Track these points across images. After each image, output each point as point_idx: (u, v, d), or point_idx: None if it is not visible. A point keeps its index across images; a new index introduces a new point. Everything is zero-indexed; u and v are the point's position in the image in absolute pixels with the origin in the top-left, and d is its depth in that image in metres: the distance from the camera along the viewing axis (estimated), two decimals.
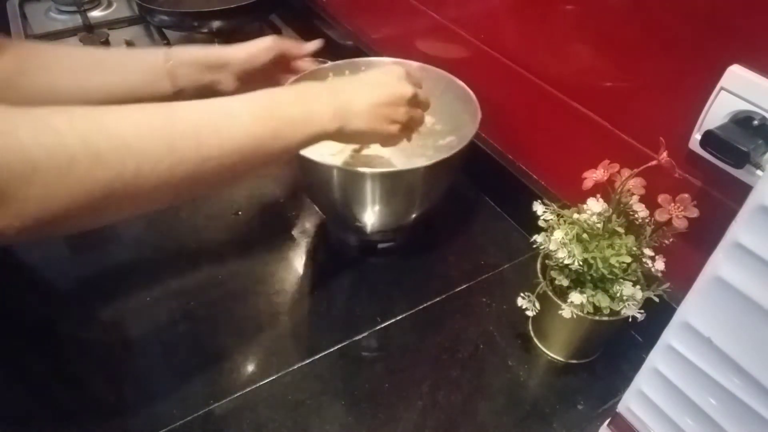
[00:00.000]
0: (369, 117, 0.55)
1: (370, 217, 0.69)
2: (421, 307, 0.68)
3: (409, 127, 0.60)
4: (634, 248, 0.53)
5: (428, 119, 0.81)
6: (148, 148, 0.40)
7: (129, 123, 0.40)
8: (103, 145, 0.37)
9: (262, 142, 0.47)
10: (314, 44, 0.79)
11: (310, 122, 0.50)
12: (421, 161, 0.79)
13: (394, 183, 0.66)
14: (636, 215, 0.54)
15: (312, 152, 0.62)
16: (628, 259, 0.53)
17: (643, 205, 0.54)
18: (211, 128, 0.44)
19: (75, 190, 0.36)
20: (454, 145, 0.76)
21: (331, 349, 0.64)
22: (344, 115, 0.53)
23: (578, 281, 0.56)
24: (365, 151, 0.79)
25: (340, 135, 0.53)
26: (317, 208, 0.76)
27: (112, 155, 0.38)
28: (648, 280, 0.55)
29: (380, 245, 0.76)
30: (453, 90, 0.76)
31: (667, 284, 0.53)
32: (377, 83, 0.57)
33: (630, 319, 0.54)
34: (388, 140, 0.60)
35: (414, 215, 0.72)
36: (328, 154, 0.75)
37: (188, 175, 0.42)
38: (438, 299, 0.69)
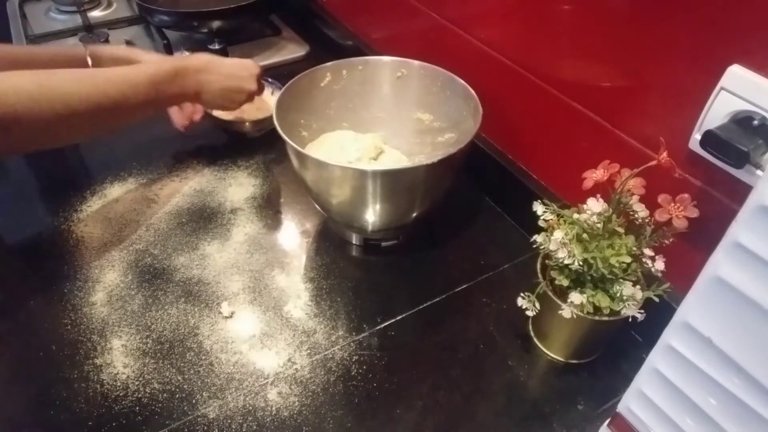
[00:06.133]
0: (218, 95, 0.79)
1: (372, 215, 0.69)
2: (421, 306, 0.69)
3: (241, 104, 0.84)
4: (634, 248, 0.53)
5: (426, 116, 0.81)
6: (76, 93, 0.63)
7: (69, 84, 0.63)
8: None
9: (147, 96, 0.70)
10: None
11: (180, 94, 0.76)
12: (420, 158, 0.80)
13: (395, 181, 0.66)
14: (636, 215, 0.54)
15: (326, 156, 0.63)
16: (628, 259, 0.53)
17: (643, 205, 0.54)
18: (115, 88, 0.66)
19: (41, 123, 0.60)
20: (453, 142, 0.76)
21: (331, 349, 0.64)
22: (202, 90, 0.77)
23: (578, 281, 0.56)
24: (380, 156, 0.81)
25: (196, 99, 0.78)
26: (318, 207, 0.76)
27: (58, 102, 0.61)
28: (648, 280, 0.55)
29: (384, 244, 0.76)
30: (451, 87, 0.76)
31: (667, 284, 0.53)
32: (233, 75, 0.80)
33: (630, 319, 0.54)
34: (227, 109, 0.85)
35: (416, 214, 0.72)
36: (345, 161, 0.75)
37: (103, 110, 0.66)
38: (438, 299, 0.69)
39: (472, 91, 0.72)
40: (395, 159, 0.82)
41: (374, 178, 0.64)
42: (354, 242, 0.77)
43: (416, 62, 0.78)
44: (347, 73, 0.80)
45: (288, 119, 0.71)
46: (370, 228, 0.72)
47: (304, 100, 0.77)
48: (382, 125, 0.84)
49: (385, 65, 0.81)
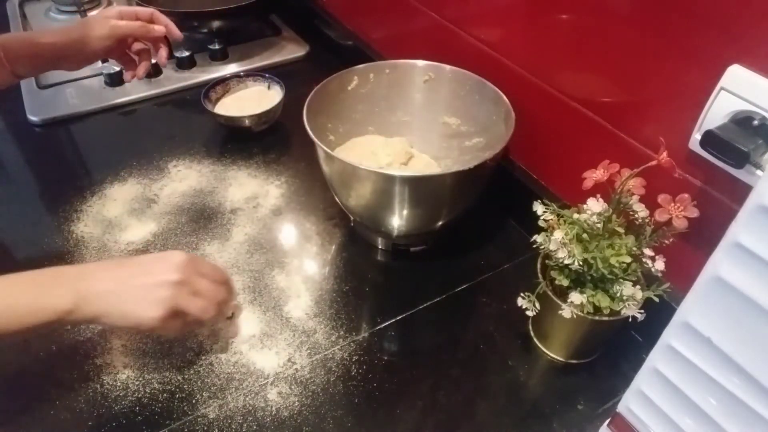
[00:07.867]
0: (116, 296, 0.51)
1: (399, 219, 0.68)
2: (421, 307, 0.69)
3: (194, 320, 0.56)
4: (634, 248, 0.53)
5: (453, 120, 0.80)
6: None
7: None
8: None
9: None
10: (160, 29, 0.83)
11: (41, 309, 0.49)
12: (447, 162, 0.78)
13: (430, 187, 0.66)
14: (636, 215, 0.54)
15: (358, 161, 0.64)
16: (628, 259, 0.53)
17: (643, 205, 0.54)
18: None
19: None
20: (481, 147, 0.75)
21: (331, 349, 0.64)
22: (82, 293, 0.50)
23: (578, 281, 0.56)
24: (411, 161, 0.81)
25: (79, 315, 0.50)
26: (345, 210, 0.75)
27: None
28: (648, 280, 0.55)
29: (412, 249, 0.76)
30: (481, 92, 0.75)
31: (667, 284, 0.53)
32: (138, 264, 0.54)
33: (630, 319, 0.54)
34: (154, 327, 0.53)
35: (444, 220, 0.71)
36: (377, 166, 0.75)
37: None
38: (438, 299, 0.69)
39: (504, 96, 0.71)
40: (425, 163, 0.81)
41: (404, 183, 0.64)
42: (380, 246, 0.77)
43: (445, 66, 0.77)
44: (374, 77, 0.79)
45: (316, 123, 0.69)
46: (396, 232, 0.71)
47: (331, 104, 0.76)
48: (407, 129, 0.83)
49: (412, 69, 0.80)
